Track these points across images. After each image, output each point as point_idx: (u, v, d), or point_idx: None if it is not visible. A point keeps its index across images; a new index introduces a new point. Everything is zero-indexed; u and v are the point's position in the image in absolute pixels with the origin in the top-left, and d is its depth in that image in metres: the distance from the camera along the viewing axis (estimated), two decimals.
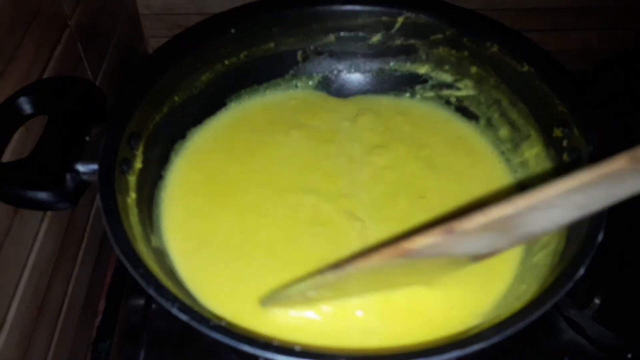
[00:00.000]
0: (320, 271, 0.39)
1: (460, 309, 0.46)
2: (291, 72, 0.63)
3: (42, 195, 0.42)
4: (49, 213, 0.50)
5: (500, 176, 0.56)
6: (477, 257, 0.39)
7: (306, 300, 0.44)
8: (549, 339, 0.55)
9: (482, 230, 0.34)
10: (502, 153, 0.58)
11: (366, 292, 0.45)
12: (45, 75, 0.50)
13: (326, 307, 0.45)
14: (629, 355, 0.54)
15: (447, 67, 0.61)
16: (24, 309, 0.46)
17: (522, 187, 0.54)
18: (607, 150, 0.45)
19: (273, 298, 0.44)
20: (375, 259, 0.36)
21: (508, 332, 0.36)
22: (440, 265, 0.40)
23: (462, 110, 0.61)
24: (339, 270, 0.38)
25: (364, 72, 0.64)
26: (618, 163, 0.30)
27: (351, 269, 0.37)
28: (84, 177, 0.45)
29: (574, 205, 0.33)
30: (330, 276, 0.38)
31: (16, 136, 0.45)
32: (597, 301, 0.57)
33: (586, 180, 0.31)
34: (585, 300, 0.57)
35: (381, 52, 0.62)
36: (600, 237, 0.40)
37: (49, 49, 0.51)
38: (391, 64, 0.63)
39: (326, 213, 0.52)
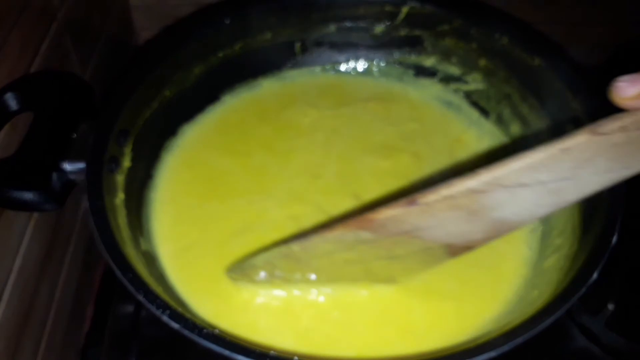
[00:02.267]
0: (285, 240, 0.39)
1: (462, 319, 0.44)
2: (289, 64, 0.62)
3: (28, 195, 0.42)
4: (34, 215, 0.49)
5: None
6: (452, 249, 0.37)
7: (273, 280, 0.42)
8: (560, 346, 0.55)
9: (448, 206, 0.32)
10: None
11: (334, 280, 0.42)
12: (32, 70, 0.49)
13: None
14: None
15: (454, 59, 0.59)
16: (10, 314, 0.45)
17: None
18: None
19: (239, 267, 0.43)
20: (339, 230, 0.35)
21: (519, 340, 0.35)
22: (414, 255, 0.38)
23: (471, 105, 0.60)
24: (304, 239, 0.37)
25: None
26: (577, 137, 0.29)
27: (316, 238, 0.36)
28: (71, 177, 0.44)
29: (543, 188, 0.31)
30: (295, 246, 0.37)
31: (1, 134, 0.44)
32: (610, 307, 0.56)
33: (545, 154, 0.30)
34: (598, 306, 0.56)
35: (385, 44, 0.61)
36: (614, 240, 0.39)
37: (36, 43, 0.50)
38: (395, 55, 0.62)
39: (322, 210, 0.50)
